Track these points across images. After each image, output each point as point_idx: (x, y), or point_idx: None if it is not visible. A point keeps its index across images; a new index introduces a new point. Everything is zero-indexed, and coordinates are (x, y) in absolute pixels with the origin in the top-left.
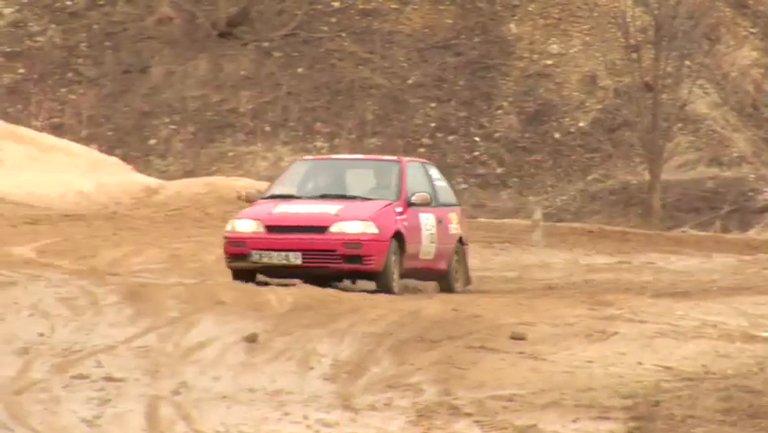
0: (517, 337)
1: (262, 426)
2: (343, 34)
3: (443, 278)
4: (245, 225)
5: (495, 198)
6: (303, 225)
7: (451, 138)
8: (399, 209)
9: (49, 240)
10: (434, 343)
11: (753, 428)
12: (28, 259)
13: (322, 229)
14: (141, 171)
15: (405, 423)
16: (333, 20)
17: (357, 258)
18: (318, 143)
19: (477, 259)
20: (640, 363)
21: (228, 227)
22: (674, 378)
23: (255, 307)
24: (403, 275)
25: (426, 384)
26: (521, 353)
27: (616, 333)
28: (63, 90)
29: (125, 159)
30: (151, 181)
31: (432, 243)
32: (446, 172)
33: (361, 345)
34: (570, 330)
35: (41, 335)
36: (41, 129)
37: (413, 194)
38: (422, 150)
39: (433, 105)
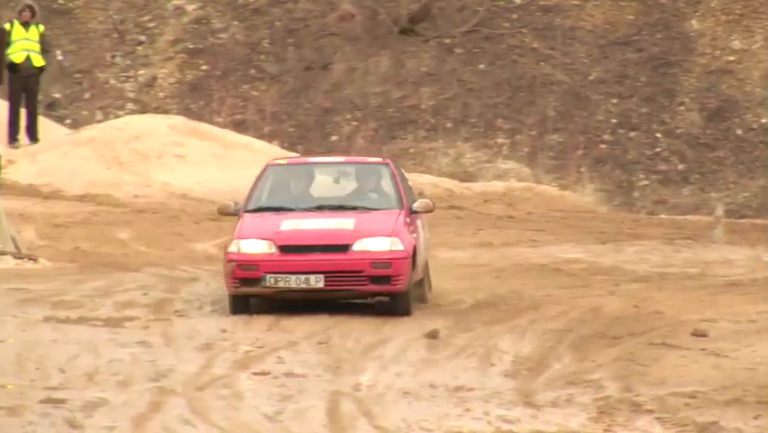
0: (699, 334)
1: (443, 422)
2: (525, 30)
3: (418, 288)
4: (254, 247)
5: (676, 194)
6: (322, 244)
7: (632, 134)
8: (407, 219)
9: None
10: (615, 339)
11: None
12: (210, 255)
13: (344, 248)
14: None
15: (586, 420)
16: (515, 16)
17: (385, 279)
18: (499, 140)
19: (659, 256)
20: None
21: (232, 248)
22: None
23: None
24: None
25: (607, 381)
26: (703, 349)
27: None
28: (245, 87)
29: (307, 155)
30: None
31: (425, 251)
32: (628, 169)
33: (541, 341)
34: (752, 327)
35: (224, 331)
36: (224, 126)
37: (413, 201)
38: (603, 146)
39: (614, 101)
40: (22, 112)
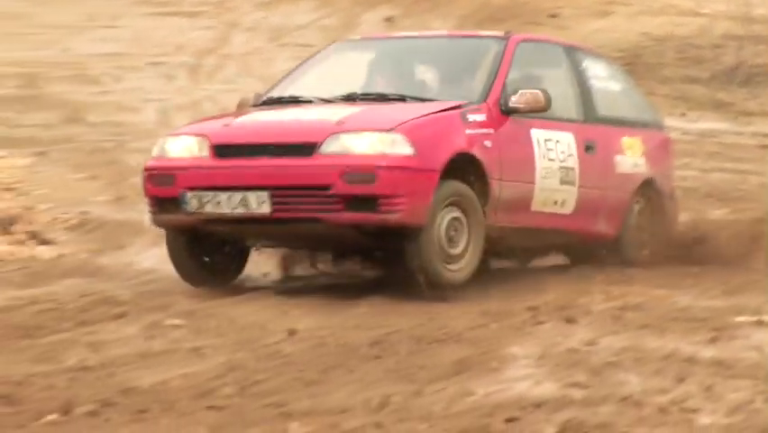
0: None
1: None
2: None
3: (610, 246)
4: (179, 147)
5: None
6: (275, 142)
7: None
8: (478, 117)
9: None
10: None
11: None
12: None
13: (307, 149)
14: None
15: None
16: None
17: (368, 201)
18: None
19: None
20: None
21: (154, 151)
22: None
23: None
24: (495, 241)
25: None
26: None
27: None
28: None
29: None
30: None
31: (567, 184)
32: None
33: None
34: None
35: None
36: None
37: (515, 92)
38: None
39: None
40: None
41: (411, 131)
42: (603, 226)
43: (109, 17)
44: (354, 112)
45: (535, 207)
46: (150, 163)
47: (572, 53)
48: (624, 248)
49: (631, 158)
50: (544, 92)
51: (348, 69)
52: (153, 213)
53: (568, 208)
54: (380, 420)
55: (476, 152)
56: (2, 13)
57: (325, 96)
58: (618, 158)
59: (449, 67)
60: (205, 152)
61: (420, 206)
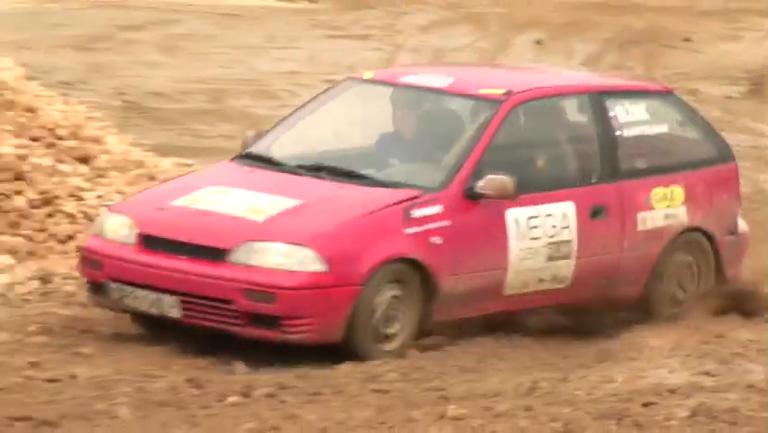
0: None
1: None
2: None
3: (636, 305)
4: (112, 227)
5: None
6: (194, 242)
7: None
8: (429, 211)
9: None
10: None
11: None
12: None
13: (218, 254)
14: None
15: None
16: None
17: (270, 321)
18: None
19: None
20: None
21: (93, 227)
22: None
23: None
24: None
25: None
26: None
27: None
28: None
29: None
30: None
31: (559, 258)
32: None
33: None
34: None
35: None
36: None
37: (485, 177)
38: None
39: None
40: None
41: (325, 244)
42: (620, 290)
43: (288, 39)
44: (284, 209)
45: (510, 290)
46: (86, 244)
47: (600, 100)
48: (652, 306)
49: (663, 210)
50: (511, 178)
51: (341, 117)
52: (88, 293)
53: (563, 283)
54: (529, 404)
55: (417, 253)
56: (193, 35)
57: (300, 160)
58: (642, 215)
59: (430, 134)
60: (132, 240)
61: (332, 323)
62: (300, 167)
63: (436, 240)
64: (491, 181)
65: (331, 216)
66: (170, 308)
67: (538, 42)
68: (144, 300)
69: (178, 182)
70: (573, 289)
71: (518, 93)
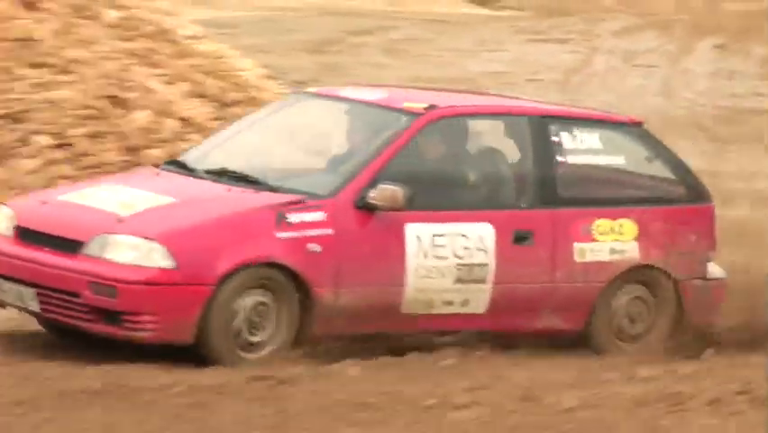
0: None
1: None
2: None
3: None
4: (0, 221)
5: None
6: (53, 234)
7: None
8: (308, 216)
9: None
10: None
11: None
12: None
13: (73, 247)
14: None
15: None
16: None
17: (113, 316)
18: None
19: None
20: None
21: None
22: None
23: None
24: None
25: None
26: None
27: None
28: None
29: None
30: None
31: (470, 282)
32: None
33: None
34: None
35: None
36: None
37: (381, 186)
38: None
39: None
40: None
41: (174, 240)
42: (554, 322)
43: (495, 43)
44: (153, 206)
45: (409, 309)
46: None
47: (542, 124)
48: (594, 340)
49: (609, 244)
50: (405, 189)
51: (274, 130)
52: None
53: (477, 308)
54: None
55: (289, 259)
56: (412, 39)
57: (214, 163)
58: (581, 246)
59: (347, 145)
60: (9, 232)
61: (180, 323)
62: (207, 172)
63: (314, 247)
64: (382, 191)
65: (193, 215)
66: (30, 300)
67: (719, 47)
68: (10, 293)
69: (91, 180)
70: (491, 315)
71: (440, 108)
